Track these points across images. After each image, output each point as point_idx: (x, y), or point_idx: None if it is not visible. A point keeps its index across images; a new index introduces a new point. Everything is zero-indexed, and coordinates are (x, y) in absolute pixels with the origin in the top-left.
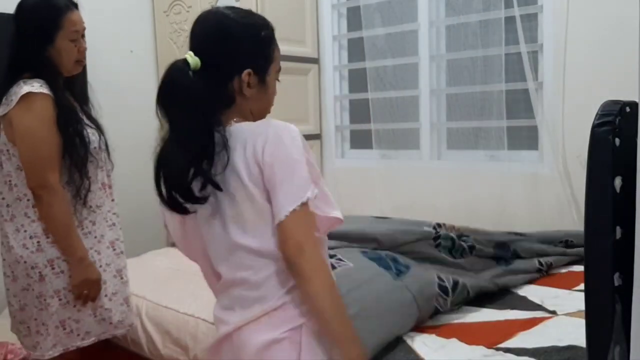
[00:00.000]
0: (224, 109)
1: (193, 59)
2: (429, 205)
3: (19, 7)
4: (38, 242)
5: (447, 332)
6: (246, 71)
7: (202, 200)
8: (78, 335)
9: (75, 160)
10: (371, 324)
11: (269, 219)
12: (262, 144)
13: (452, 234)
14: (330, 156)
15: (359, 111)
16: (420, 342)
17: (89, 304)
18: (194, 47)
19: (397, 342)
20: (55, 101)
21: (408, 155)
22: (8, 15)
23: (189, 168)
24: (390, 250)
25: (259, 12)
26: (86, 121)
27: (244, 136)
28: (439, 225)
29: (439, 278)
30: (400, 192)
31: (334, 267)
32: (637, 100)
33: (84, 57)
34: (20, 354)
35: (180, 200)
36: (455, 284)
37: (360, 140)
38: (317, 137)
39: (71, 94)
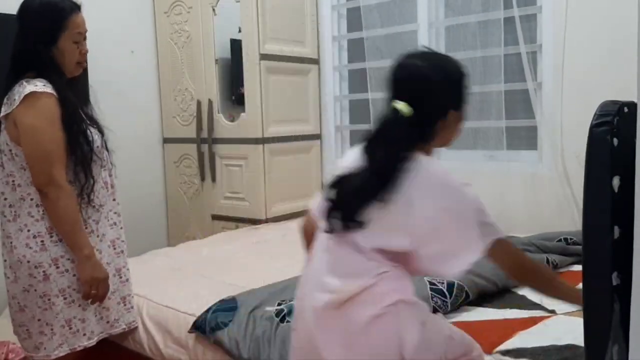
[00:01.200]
0: (422, 144)
1: (406, 108)
2: None
3: (23, 7)
4: (42, 241)
5: None
6: (452, 112)
7: (361, 224)
8: (84, 335)
9: (80, 159)
10: None
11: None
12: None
13: None
14: (330, 156)
15: (358, 111)
16: None
17: (96, 304)
18: (400, 94)
19: None
20: (59, 100)
21: None
22: (7, 15)
23: (371, 197)
24: None
25: (259, 12)
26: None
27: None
28: None
29: (431, 283)
30: None
31: None
32: (635, 101)
33: (85, 60)
34: (22, 353)
35: (343, 219)
36: (450, 286)
37: (360, 141)
38: (317, 137)
39: (72, 95)
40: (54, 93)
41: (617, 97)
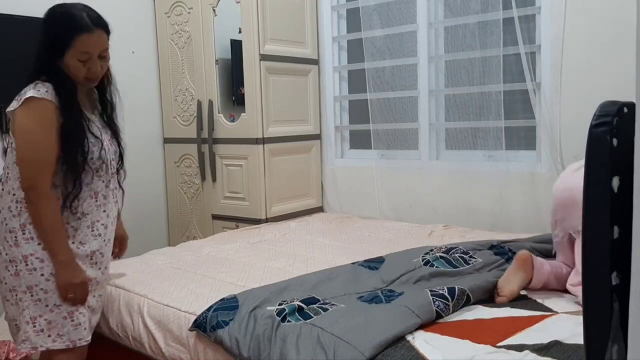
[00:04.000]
0: None
1: None
2: (427, 205)
3: (49, 10)
4: (15, 237)
5: (448, 330)
6: None
7: None
8: (49, 336)
9: (72, 167)
10: (372, 326)
11: None
12: None
13: (440, 253)
14: (329, 156)
15: (358, 112)
16: (422, 340)
17: (67, 307)
18: None
19: (399, 340)
20: (59, 108)
21: (407, 155)
22: (8, 15)
23: None
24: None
25: (260, 13)
26: (97, 128)
27: None
28: (426, 254)
29: (432, 290)
30: (399, 192)
31: (325, 310)
32: (634, 101)
33: (95, 78)
34: (22, 352)
35: None
36: (452, 290)
37: (360, 141)
38: (316, 137)
39: (92, 98)
40: (53, 100)
41: (617, 97)
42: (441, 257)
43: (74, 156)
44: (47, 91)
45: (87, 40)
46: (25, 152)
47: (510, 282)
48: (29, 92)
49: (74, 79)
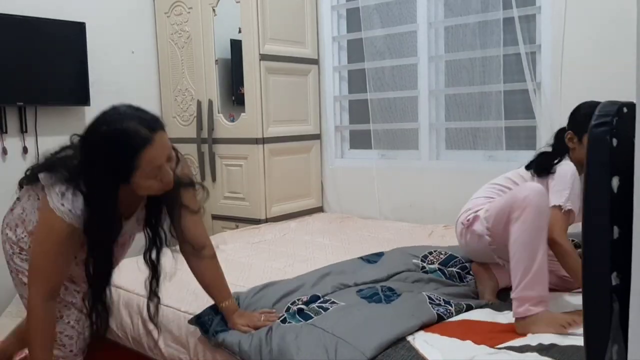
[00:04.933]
0: None
1: None
2: (427, 205)
3: (97, 134)
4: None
5: (448, 330)
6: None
7: None
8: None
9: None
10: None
11: None
12: None
13: (437, 265)
14: (329, 156)
15: (358, 111)
16: (422, 341)
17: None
18: None
19: (399, 341)
20: (83, 227)
21: (407, 155)
22: (7, 15)
23: None
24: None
25: (259, 12)
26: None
27: None
28: (425, 257)
29: (430, 298)
30: (399, 192)
31: (326, 310)
32: (634, 101)
33: (170, 186)
34: (22, 353)
35: None
36: (447, 302)
37: (360, 141)
38: (316, 137)
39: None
40: (74, 223)
41: (616, 98)
42: (439, 269)
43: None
44: (70, 210)
45: (151, 153)
46: (32, 256)
47: (484, 293)
48: (54, 198)
49: (140, 193)
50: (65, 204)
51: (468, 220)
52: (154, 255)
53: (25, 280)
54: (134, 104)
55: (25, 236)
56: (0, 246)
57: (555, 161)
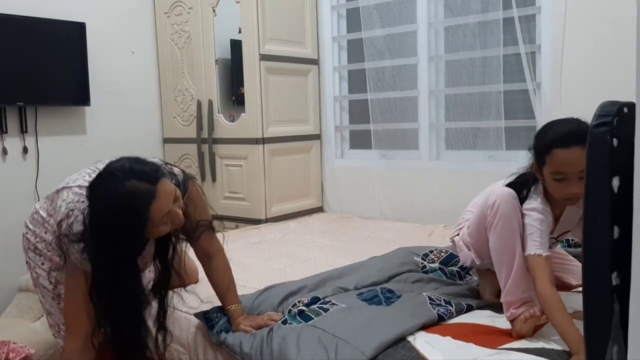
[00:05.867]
0: None
1: None
2: (427, 205)
3: (99, 197)
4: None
5: (449, 331)
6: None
7: None
8: None
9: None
10: (373, 326)
11: None
12: None
13: (438, 264)
14: (329, 156)
15: (358, 112)
16: (423, 341)
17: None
18: None
19: (399, 341)
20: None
21: (407, 155)
22: (7, 15)
23: None
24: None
25: (259, 13)
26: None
27: None
28: (425, 255)
29: (430, 298)
30: (399, 192)
31: (326, 311)
32: (634, 101)
33: (180, 224)
34: (22, 352)
35: None
36: (448, 302)
37: (360, 141)
38: (316, 137)
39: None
40: (87, 268)
41: (617, 98)
42: (439, 268)
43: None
44: (85, 258)
45: (157, 206)
46: (65, 308)
47: (484, 293)
48: (75, 253)
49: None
50: (86, 257)
51: (457, 236)
52: (162, 288)
53: (39, 278)
54: (134, 103)
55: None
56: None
57: (525, 191)
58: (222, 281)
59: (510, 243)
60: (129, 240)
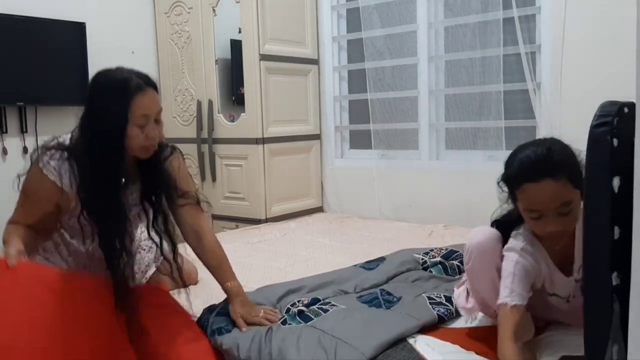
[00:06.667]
0: None
1: None
2: (427, 205)
3: (95, 81)
4: None
5: (450, 336)
6: None
7: None
8: None
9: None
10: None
11: None
12: None
13: (439, 259)
14: (329, 156)
15: (358, 111)
16: (423, 343)
17: None
18: None
19: (399, 342)
20: (72, 188)
21: (407, 155)
22: (7, 15)
23: None
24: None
25: (259, 13)
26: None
27: None
28: (426, 253)
29: (430, 298)
30: (399, 192)
31: (326, 311)
32: (634, 101)
33: (154, 144)
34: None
35: None
36: (448, 299)
37: (360, 141)
38: (316, 137)
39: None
40: (56, 179)
41: (617, 98)
42: (440, 262)
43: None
44: (55, 168)
45: (143, 101)
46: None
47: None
48: (44, 158)
49: (129, 150)
50: (52, 162)
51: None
52: (160, 223)
53: None
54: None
55: None
56: None
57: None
58: (215, 259)
59: (487, 272)
60: (115, 116)
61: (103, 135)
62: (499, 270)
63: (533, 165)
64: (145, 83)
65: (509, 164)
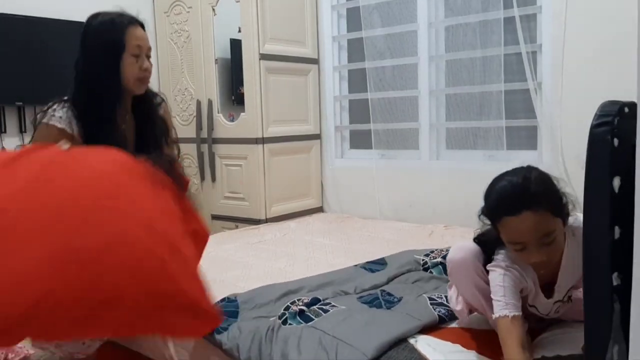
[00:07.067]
0: None
1: None
2: (427, 205)
3: (90, 21)
4: None
5: (451, 336)
6: None
7: None
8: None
9: None
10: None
11: None
12: None
13: (440, 259)
14: (329, 156)
15: (358, 111)
16: (424, 343)
17: None
18: None
19: (401, 342)
20: (79, 132)
21: (407, 155)
22: (8, 15)
23: None
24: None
25: (259, 12)
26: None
27: None
28: (427, 255)
29: (430, 298)
30: (400, 191)
31: (326, 312)
32: (635, 101)
33: (148, 75)
34: (21, 353)
35: None
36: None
37: (360, 140)
38: (316, 137)
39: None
40: (65, 127)
41: (617, 97)
42: (441, 263)
43: None
44: (61, 117)
45: (136, 33)
46: None
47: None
48: (48, 114)
49: (125, 83)
50: (56, 114)
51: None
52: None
53: None
54: None
55: None
56: None
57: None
58: None
59: (466, 287)
60: (111, 49)
61: (101, 68)
62: (477, 287)
63: (511, 198)
64: (136, 20)
65: (487, 195)
